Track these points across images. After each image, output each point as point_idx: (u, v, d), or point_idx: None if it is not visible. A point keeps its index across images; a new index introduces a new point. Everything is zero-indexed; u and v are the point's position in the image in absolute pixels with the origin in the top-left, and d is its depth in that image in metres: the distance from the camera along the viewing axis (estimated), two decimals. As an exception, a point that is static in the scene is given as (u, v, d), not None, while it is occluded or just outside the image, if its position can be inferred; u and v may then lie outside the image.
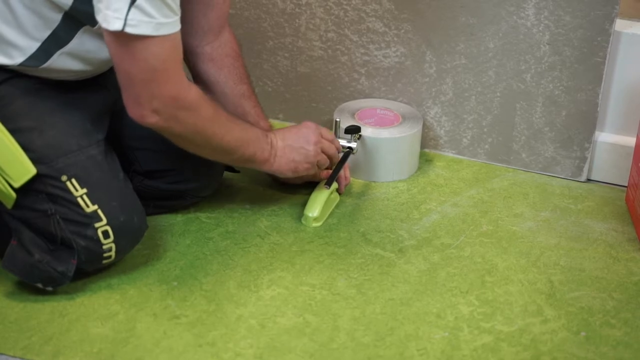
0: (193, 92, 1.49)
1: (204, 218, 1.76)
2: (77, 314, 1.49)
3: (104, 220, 1.50)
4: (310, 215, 1.75)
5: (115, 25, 1.35)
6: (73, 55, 1.52)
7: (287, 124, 2.13)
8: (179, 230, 1.72)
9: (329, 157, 1.77)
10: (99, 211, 1.50)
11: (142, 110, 1.44)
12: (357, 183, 1.92)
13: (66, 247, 1.50)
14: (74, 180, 1.49)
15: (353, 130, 1.84)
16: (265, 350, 1.44)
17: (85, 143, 1.53)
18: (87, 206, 1.49)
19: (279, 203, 1.83)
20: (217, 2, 1.73)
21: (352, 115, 1.95)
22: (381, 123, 1.94)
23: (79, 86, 1.59)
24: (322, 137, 1.74)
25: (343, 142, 1.82)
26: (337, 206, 1.83)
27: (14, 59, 1.49)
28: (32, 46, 1.49)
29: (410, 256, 1.69)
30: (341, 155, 1.82)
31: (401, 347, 1.47)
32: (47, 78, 1.54)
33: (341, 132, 1.86)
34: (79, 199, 1.49)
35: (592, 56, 1.90)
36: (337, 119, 1.82)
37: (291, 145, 1.69)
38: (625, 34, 1.91)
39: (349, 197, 1.86)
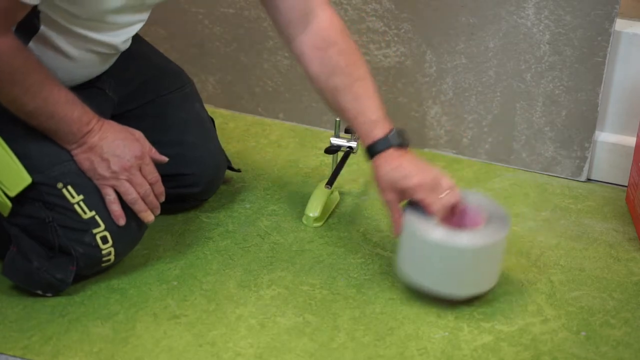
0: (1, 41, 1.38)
1: (204, 218, 1.76)
2: (77, 313, 1.49)
3: (102, 226, 1.49)
4: (311, 215, 1.75)
5: None
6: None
7: (288, 124, 2.13)
8: (179, 230, 1.72)
9: (137, 185, 1.52)
10: (97, 217, 1.49)
11: None
12: (357, 183, 1.92)
13: (65, 254, 1.49)
14: (70, 188, 1.48)
15: (353, 130, 1.84)
16: (265, 350, 1.44)
17: None
18: (85, 213, 1.49)
19: (279, 203, 1.82)
20: None
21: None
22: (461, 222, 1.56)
23: (76, 91, 1.56)
24: (143, 170, 1.53)
25: (343, 142, 1.82)
26: (337, 206, 1.83)
27: None
28: None
29: (411, 256, 1.69)
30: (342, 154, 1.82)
31: (401, 346, 1.47)
32: None
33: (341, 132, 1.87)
34: (76, 206, 1.49)
35: (592, 56, 1.90)
36: (338, 119, 1.82)
37: (102, 149, 1.50)
38: (626, 33, 1.91)
39: (349, 197, 1.86)
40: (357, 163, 1.98)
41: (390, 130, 1.56)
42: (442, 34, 1.97)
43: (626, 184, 1.95)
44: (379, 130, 1.56)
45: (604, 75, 1.91)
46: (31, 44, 1.47)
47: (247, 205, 1.81)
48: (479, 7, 1.93)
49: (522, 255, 1.71)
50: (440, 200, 1.52)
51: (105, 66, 1.62)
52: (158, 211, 1.56)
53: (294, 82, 2.11)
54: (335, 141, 1.82)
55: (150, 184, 1.53)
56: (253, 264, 1.64)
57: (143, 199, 1.53)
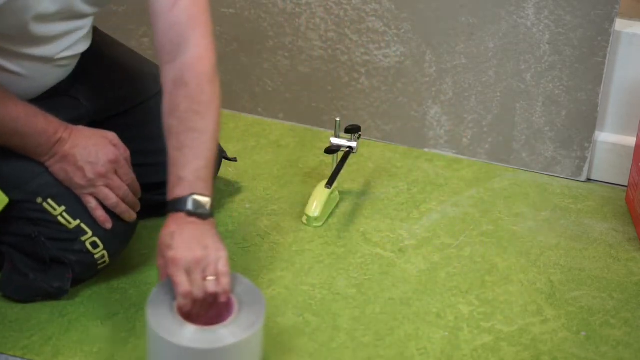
0: None
1: (204, 218, 1.76)
2: (77, 313, 1.49)
3: (89, 233, 1.48)
4: (311, 215, 1.75)
5: None
6: None
7: (288, 124, 2.13)
8: (179, 230, 1.72)
9: (115, 188, 1.48)
10: (82, 225, 1.48)
11: None
12: (357, 183, 1.92)
13: (58, 264, 1.49)
14: (50, 201, 1.46)
15: (353, 130, 1.83)
16: (265, 350, 1.44)
17: None
18: (69, 223, 1.47)
19: (279, 203, 1.82)
20: (161, 12, 1.44)
21: (171, 306, 1.33)
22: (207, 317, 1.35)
23: (46, 100, 1.53)
24: (118, 172, 1.48)
25: (343, 142, 1.82)
26: (337, 206, 1.83)
27: None
28: None
29: (410, 256, 1.69)
30: (342, 154, 1.82)
31: (401, 346, 1.47)
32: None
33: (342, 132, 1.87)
34: (60, 218, 1.47)
35: (592, 56, 1.90)
36: (337, 119, 1.82)
37: (75, 157, 1.45)
38: (625, 33, 1.91)
39: (349, 197, 1.86)
40: (357, 163, 1.98)
41: (192, 194, 1.38)
42: (442, 34, 1.97)
43: (626, 184, 1.95)
44: (180, 189, 1.38)
45: (604, 75, 1.91)
46: None
47: (247, 205, 1.81)
48: (479, 7, 1.93)
49: (522, 255, 1.71)
50: (194, 283, 1.31)
51: (63, 75, 1.56)
52: (138, 207, 1.53)
53: (294, 82, 2.11)
54: (335, 141, 1.82)
55: (127, 185, 1.50)
56: (253, 264, 1.64)
57: (123, 200, 1.50)
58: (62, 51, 1.51)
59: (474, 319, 1.54)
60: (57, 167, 1.46)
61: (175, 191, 1.39)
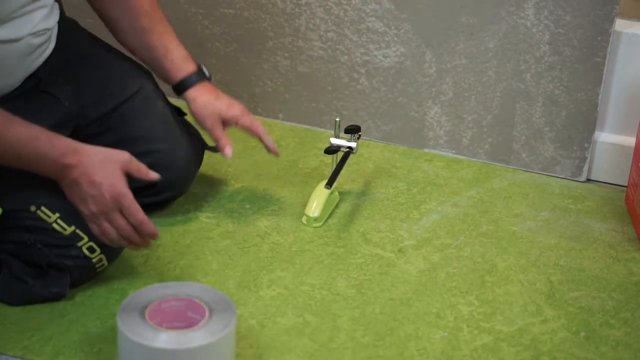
0: None
1: (203, 218, 1.76)
2: (77, 314, 1.49)
3: (85, 238, 1.48)
4: (311, 215, 1.75)
5: None
6: None
7: (288, 124, 2.13)
8: (179, 230, 1.72)
9: (117, 227, 1.44)
10: (77, 231, 1.47)
11: None
12: (357, 183, 1.92)
13: (56, 270, 1.49)
14: (43, 208, 1.46)
15: (353, 130, 1.84)
16: (265, 350, 1.44)
17: None
18: (64, 229, 1.47)
19: (279, 203, 1.83)
20: None
21: (142, 315, 1.35)
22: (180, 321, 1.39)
23: (28, 101, 1.51)
24: (122, 210, 1.43)
25: (343, 142, 1.82)
26: (337, 206, 1.83)
27: None
28: None
29: (410, 256, 1.69)
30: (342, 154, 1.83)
31: (401, 347, 1.47)
32: None
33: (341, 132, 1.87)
34: (55, 225, 1.47)
35: (592, 56, 1.90)
36: (337, 119, 1.82)
37: (79, 186, 1.42)
38: (625, 33, 1.91)
39: (349, 197, 1.86)
40: (357, 163, 1.98)
41: (200, 65, 1.71)
42: (442, 34, 1.97)
43: (626, 184, 1.95)
44: (190, 64, 1.69)
45: (604, 75, 1.91)
46: None
47: (247, 205, 1.81)
48: (479, 7, 1.93)
49: (521, 256, 1.72)
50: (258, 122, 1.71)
51: (34, 61, 1.54)
52: (148, 244, 1.49)
53: (293, 82, 2.11)
54: (335, 141, 1.82)
55: (134, 226, 1.44)
56: (253, 264, 1.64)
57: (126, 238, 1.45)
58: (29, 32, 1.48)
59: (474, 319, 1.54)
60: (67, 192, 1.44)
61: (187, 67, 1.69)
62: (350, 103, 2.08)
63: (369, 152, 2.04)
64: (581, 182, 1.99)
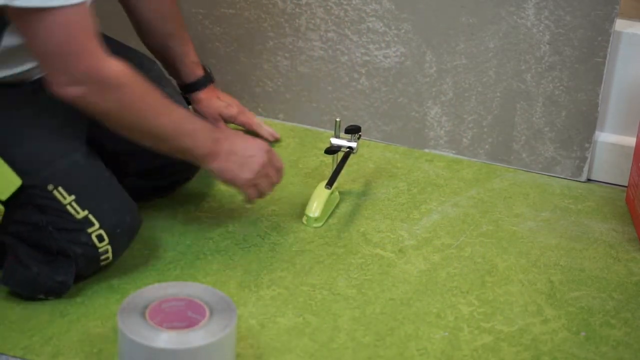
0: (114, 66, 1.41)
1: (204, 218, 1.76)
2: (78, 314, 1.49)
3: (97, 225, 1.49)
4: (311, 215, 1.75)
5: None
6: (13, 52, 1.47)
7: (288, 124, 2.13)
8: (179, 230, 1.72)
9: (273, 176, 1.64)
10: (90, 216, 1.48)
11: (60, 83, 1.39)
12: (357, 183, 1.92)
13: (63, 257, 1.49)
14: (60, 189, 1.47)
15: (353, 130, 1.84)
16: (265, 350, 1.44)
17: (67, 149, 1.50)
18: (77, 213, 1.48)
19: (279, 203, 1.83)
20: None
21: (142, 315, 1.35)
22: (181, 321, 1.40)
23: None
24: (271, 161, 1.63)
25: (343, 142, 1.82)
26: (337, 206, 1.83)
27: None
28: None
29: (411, 256, 1.69)
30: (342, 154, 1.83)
31: (401, 347, 1.47)
32: (13, 83, 1.50)
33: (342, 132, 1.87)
34: (68, 207, 1.48)
35: (592, 56, 1.90)
36: (338, 119, 1.82)
37: (236, 154, 1.58)
38: (626, 33, 1.91)
39: (350, 197, 1.86)
40: (357, 163, 1.98)
41: (206, 68, 1.90)
42: (442, 34, 1.97)
43: (626, 184, 1.95)
44: (199, 69, 1.88)
45: (604, 75, 1.91)
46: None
47: (247, 206, 1.81)
48: (479, 7, 1.93)
49: (522, 256, 1.72)
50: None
51: None
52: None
53: (294, 82, 2.11)
54: (335, 141, 1.82)
55: (279, 169, 1.66)
56: (253, 264, 1.64)
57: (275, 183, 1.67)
58: None
59: (474, 319, 1.54)
60: (222, 167, 1.57)
61: (198, 71, 1.88)
62: (351, 103, 2.08)
63: (369, 152, 2.04)
64: (581, 182, 1.99)
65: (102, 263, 1.53)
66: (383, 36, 2.01)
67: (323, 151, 1.85)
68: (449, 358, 1.45)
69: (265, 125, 2.02)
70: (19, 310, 1.49)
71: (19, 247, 1.50)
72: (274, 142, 2.02)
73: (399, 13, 1.98)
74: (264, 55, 2.10)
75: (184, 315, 1.38)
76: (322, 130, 2.12)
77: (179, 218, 1.76)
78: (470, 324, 1.53)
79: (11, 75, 1.50)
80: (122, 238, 1.53)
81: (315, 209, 1.76)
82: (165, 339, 1.30)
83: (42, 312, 1.49)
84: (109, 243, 1.50)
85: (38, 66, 1.48)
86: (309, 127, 2.13)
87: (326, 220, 1.78)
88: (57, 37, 1.36)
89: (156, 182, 1.75)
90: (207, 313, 1.35)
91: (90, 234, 1.49)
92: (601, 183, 2.00)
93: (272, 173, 1.63)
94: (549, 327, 1.53)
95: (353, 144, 1.83)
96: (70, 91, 1.39)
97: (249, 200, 1.65)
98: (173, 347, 1.29)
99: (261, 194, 1.65)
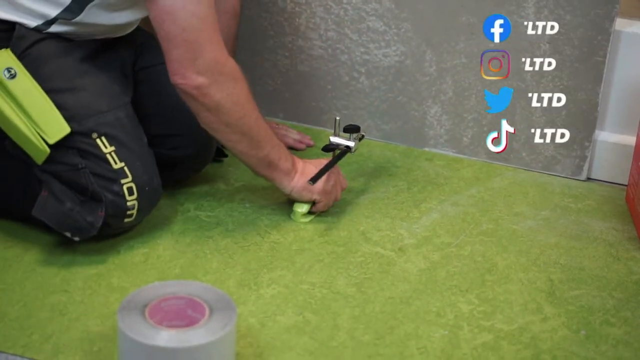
0: (231, 60, 1.56)
1: (203, 217, 1.76)
2: (77, 312, 1.49)
3: (130, 177, 1.57)
4: (299, 210, 1.76)
5: None
6: (103, 8, 1.57)
7: (288, 123, 2.13)
8: (179, 229, 1.72)
9: (339, 191, 1.79)
10: (125, 168, 1.57)
11: (186, 71, 1.51)
12: (357, 183, 1.92)
13: (94, 200, 1.56)
14: (103, 138, 1.57)
15: (352, 130, 1.83)
16: (265, 349, 1.44)
17: (113, 105, 1.60)
18: (115, 163, 1.57)
19: (278, 202, 1.83)
20: None
21: (142, 313, 1.34)
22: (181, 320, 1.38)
23: (108, 47, 1.65)
24: (338, 180, 1.78)
25: (342, 141, 1.82)
26: (336, 204, 1.83)
27: (53, 10, 1.55)
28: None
29: (410, 255, 1.69)
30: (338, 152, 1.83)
31: (401, 345, 1.47)
32: (77, 36, 1.60)
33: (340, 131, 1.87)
34: (108, 156, 1.57)
35: (592, 55, 1.90)
36: (337, 118, 1.82)
37: (312, 169, 1.72)
38: (626, 33, 1.91)
39: (349, 196, 1.86)
40: (357, 162, 1.98)
41: None
42: (442, 33, 1.98)
43: (626, 183, 1.95)
44: None
45: (604, 75, 1.91)
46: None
47: (247, 205, 1.81)
48: (479, 7, 1.93)
49: (522, 254, 1.72)
50: None
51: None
52: None
53: (294, 81, 2.11)
54: (335, 140, 1.82)
55: (343, 189, 1.81)
56: (253, 263, 1.64)
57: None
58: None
59: (474, 317, 1.54)
60: (300, 182, 1.71)
61: None
62: (351, 102, 2.09)
63: (369, 151, 2.04)
64: (581, 181, 1.99)
65: (127, 220, 1.59)
66: (383, 35, 2.01)
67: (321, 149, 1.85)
68: (449, 356, 1.45)
69: (293, 131, 2.04)
70: (19, 308, 1.49)
71: (54, 184, 1.57)
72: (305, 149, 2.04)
73: (398, 12, 1.98)
74: (264, 54, 2.10)
75: (184, 314, 1.38)
76: (322, 129, 2.12)
77: (179, 217, 1.76)
78: (470, 323, 1.53)
79: (98, 26, 1.60)
80: (148, 197, 1.61)
81: (303, 204, 1.76)
82: (165, 338, 1.30)
83: (41, 310, 1.49)
84: (137, 199, 1.58)
85: (110, 27, 1.61)
86: (309, 126, 2.13)
87: (325, 219, 1.78)
88: (193, 26, 1.49)
89: (163, 152, 1.75)
90: (207, 312, 1.35)
91: (122, 185, 1.57)
92: (601, 182, 2.00)
93: (338, 191, 1.78)
94: (548, 326, 1.53)
95: (351, 143, 1.83)
96: (194, 80, 1.52)
97: (314, 212, 1.77)
98: (173, 345, 1.29)
99: (325, 208, 1.77)
